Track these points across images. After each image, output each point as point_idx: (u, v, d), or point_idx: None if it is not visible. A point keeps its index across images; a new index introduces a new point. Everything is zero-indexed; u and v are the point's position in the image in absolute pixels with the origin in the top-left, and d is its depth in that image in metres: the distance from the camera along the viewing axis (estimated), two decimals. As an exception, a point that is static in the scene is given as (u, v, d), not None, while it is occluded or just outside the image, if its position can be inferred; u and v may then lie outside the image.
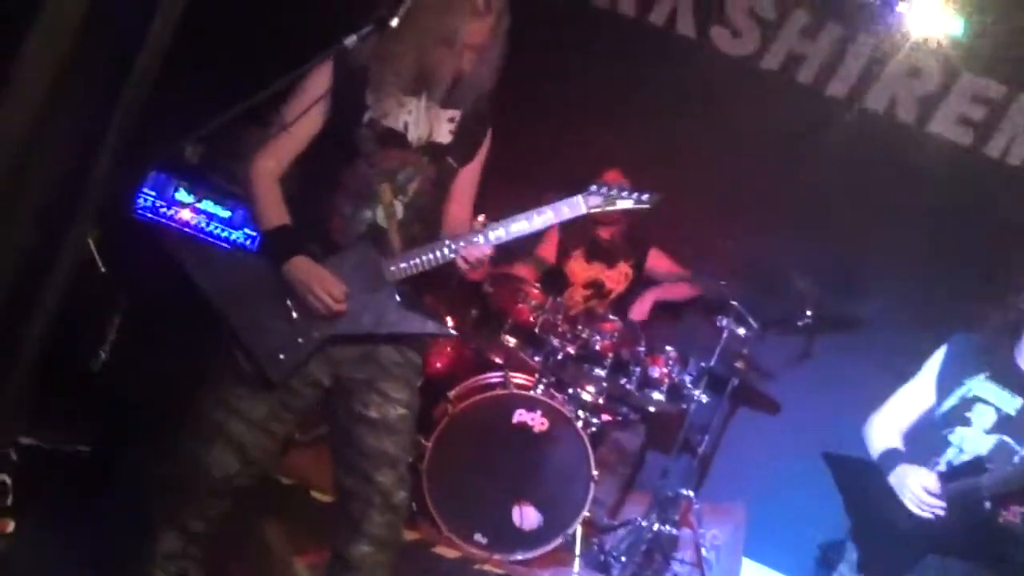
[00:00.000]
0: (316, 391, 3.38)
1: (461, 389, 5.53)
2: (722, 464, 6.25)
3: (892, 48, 6.06)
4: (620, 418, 5.82)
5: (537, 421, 5.30)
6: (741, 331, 5.65)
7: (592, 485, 5.25)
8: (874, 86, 6.13)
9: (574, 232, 5.98)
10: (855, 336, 5.95)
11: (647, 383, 5.55)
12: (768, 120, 6.12)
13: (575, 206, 3.34)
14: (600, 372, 5.51)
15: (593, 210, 3.35)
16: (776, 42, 6.27)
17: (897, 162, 5.98)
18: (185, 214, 5.15)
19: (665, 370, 5.55)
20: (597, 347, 5.49)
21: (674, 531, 5.62)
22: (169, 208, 5.15)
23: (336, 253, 3.31)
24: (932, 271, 5.89)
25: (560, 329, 5.45)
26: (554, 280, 5.99)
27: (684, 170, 6.02)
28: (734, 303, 5.62)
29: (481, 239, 3.32)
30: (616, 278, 6.12)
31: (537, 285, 5.60)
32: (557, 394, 5.53)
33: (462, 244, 3.31)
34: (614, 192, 3.35)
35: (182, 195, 5.16)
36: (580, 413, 5.53)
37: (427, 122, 3.38)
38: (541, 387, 5.46)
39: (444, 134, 3.41)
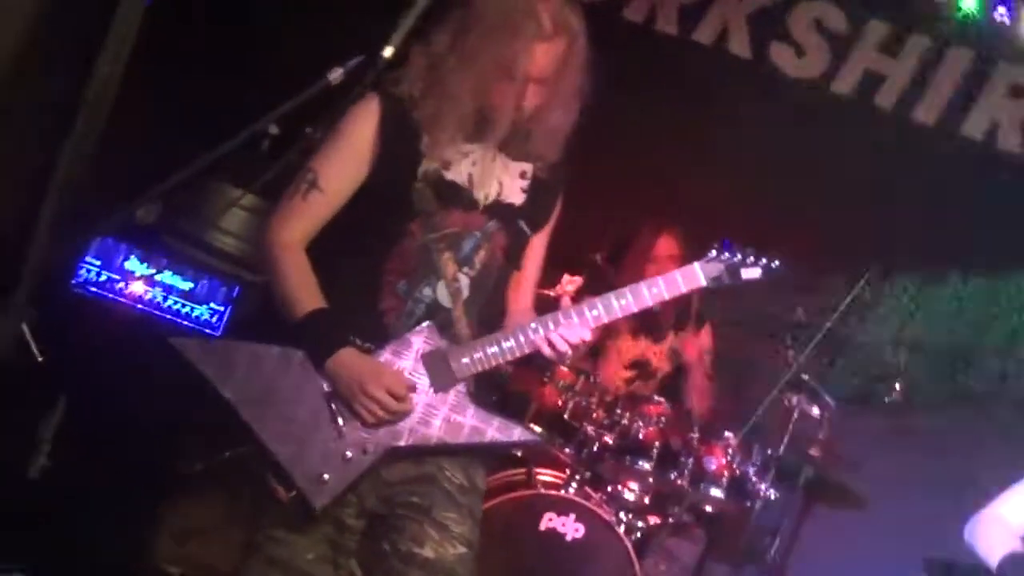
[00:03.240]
0: (369, 523, 3.20)
1: (476, 490, 5.49)
2: (797, 574, 6.18)
3: (991, 63, 6.07)
4: (671, 521, 5.74)
5: (570, 527, 5.25)
6: (815, 410, 5.61)
7: (639, 604, 5.20)
8: (971, 110, 6.14)
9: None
10: (961, 413, 5.90)
11: (702, 477, 5.50)
12: (841, 155, 6.14)
13: (691, 277, 3.22)
14: (645, 465, 5.45)
15: (714, 283, 3.22)
16: (849, 60, 6.30)
17: (1003, 202, 5.96)
18: (137, 287, 5.12)
19: (724, 461, 5.51)
20: (640, 435, 5.45)
21: (741, 660, 5.58)
22: (118, 281, 5.13)
23: (390, 343, 3.16)
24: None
25: (595, 415, 5.44)
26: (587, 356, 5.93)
27: (737, 218, 6.01)
28: (805, 377, 5.59)
29: (576, 319, 3.18)
30: (663, 355, 6.09)
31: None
32: (593, 493, 5.50)
33: (551, 326, 3.17)
34: (737, 259, 3.22)
35: (134, 264, 5.16)
36: (622, 516, 5.51)
37: (495, 176, 3.28)
38: (574, 485, 5.43)
39: (516, 192, 3.30)
